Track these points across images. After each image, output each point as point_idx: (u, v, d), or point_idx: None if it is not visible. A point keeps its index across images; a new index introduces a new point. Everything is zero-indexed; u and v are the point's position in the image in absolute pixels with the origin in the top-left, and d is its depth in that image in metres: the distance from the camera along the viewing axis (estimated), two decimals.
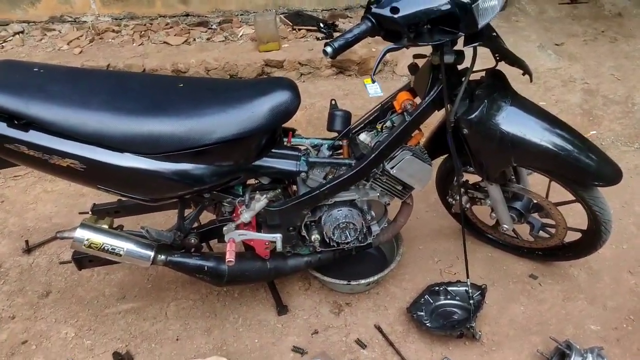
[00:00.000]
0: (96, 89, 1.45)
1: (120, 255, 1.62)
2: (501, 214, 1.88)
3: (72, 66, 1.58)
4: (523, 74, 1.60)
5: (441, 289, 1.95)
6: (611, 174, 1.60)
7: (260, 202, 1.63)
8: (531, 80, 1.60)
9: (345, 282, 1.92)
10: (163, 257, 1.70)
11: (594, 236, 1.82)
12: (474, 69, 1.57)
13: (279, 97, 1.49)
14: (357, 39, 1.34)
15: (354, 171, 1.64)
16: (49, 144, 1.38)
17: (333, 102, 1.75)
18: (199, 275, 1.77)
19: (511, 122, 1.56)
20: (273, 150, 1.61)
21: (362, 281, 1.92)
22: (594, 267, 2.10)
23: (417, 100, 1.66)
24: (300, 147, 1.71)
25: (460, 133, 1.63)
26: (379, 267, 1.99)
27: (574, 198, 1.76)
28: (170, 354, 1.87)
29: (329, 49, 1.31)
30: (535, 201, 1.89)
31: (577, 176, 1.63)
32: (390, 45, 1.37)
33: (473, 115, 1.57)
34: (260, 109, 1.47)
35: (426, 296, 1.95)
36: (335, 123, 1.70)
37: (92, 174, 1.45)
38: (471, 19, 1.35)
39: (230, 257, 1.62)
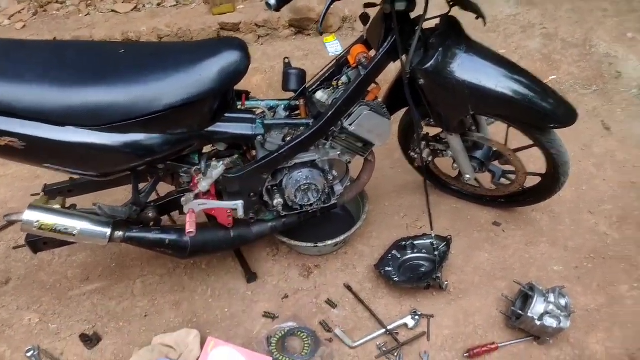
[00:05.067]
0: (30, 60, 1.35)
1: (74, 235, 1.56)
2: (462, 164, 1.88)
3: (3, 37, 1.46)
4: (477, 18, 1.56)
5: (408, 243, 1.97)
6: (566, 115, 1.61)
7: (218, 169, 1.58)
8: (485, 24, 1.57)
9: (312, 245, 1.91)
10: (121, 233, 1.64)
11: (552, 179, 1.84)
12: (427, 17, 1.52)
13: (228, 58, 1.42)
14: None
15: (312, 130, 1.60)
16: None
17: (286, 60, 1.69)
18: (160, 250, 1.72)
19: (466, 69, 1.54)
20: (226, 115, 1.55)
21: (329, 242, 1.91)
22: (555, 210, 2.14)
23: (372, 53, 1.61)
24: (255, 109, 1.66)
25: (417, 84, 1.60)
26: (347, 227, 1.98)
27: (531, 143, 1.76)
28: (139, 331, 1.84)
29: (272, 1, 1.25)
30: (495, 149, 1.89)
31: (533, 120, 1.63)
32: None
33: (428, 65, 1.53)
34: (208, 71, 1.40)
35: (393, 252, 1.96)
36: (290, 82, 1.65)
37: (33, 151, 1.37)
38: None
39: (190, 227, 1.58)
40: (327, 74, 1.73)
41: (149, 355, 1.70)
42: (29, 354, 1.77)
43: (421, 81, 1.58)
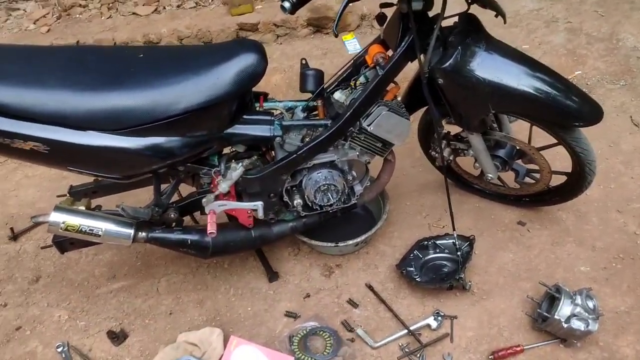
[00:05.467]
0: (52, 66, 1.39)
1: (100, 236, 1.60)
2: (484, 163, 1.85)
3: (25, 44, 1.51)
4: (496, 16, 1.53)
5: (430, 243, 1.95)
6: (591, 113, 1.56)
7: (237, 170, 1.59)
8: (505, 22, 1.54)
9: (333, 244, 1.91)
10: (144, 234, 1.67)
11: (579, 178, 1.79)
12: (446, 15, 1.50)
13: (245, 60, 1.43)
14: None
15: (331, 131, 1.59)
16: (8, 128, 1.33)
17: (304, 61, 1.69)
18: (183, 250, 1.75)
19: (486, 67, 1.51)
20: (245, 117, 1.56)
21: (350, 242, 1.91)
22: (582, 209, 2.09)
23: (390, 52, 1.60)
24: (273, 111, 1.66)
25: (436, 83, 1.58)
26: (368, 226, 1.98)
27: (556, 141, 1.72)
28: (165, 328, 1.87)
29: (286, 4, 1.25)
30: (518, 147, 1.85)
31: (557, 118, 1.59)
32: None
33: (447, 64, 1.51)
34: (225, 74, 1.41)
35: (415, 251, 1.94)
36: (307, 83, 1.65)
37: (57, 155, 1.40)
38: None
39: (211, 228, 1.60)
40: (344, 75, 1.72)
41: (173, 353, 1.73)
42: (59, 350, 1.82)
43: (440, 80, 1.56)
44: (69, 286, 2.05)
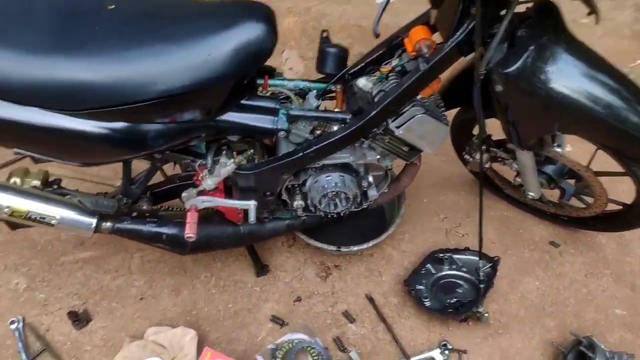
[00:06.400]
0: None
1: (53, 225, 1.31)
2: (529, 181, 1.53)
3: None
4: (589, 14, 1.15)
5: (446, 257, 1.67)
6: None
7: (227, 167, 1.28)
8: (597, 22, 1.16)
9: (335, 248, 1.64)
10: (109, 224, 1.39)
11: (637, 213, 1.48)
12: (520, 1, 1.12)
13: (248, 33, 1.08)
14: None
15: (349, 130, 1.27)
16: None
17: (325, 34, 1.32)
18: (156, 244, 1.48)
19: (563, 78, 1.14)
20: (242, 102, 1.22)
21: (354, 248, 1.64)
22: (625, 236, 1.79)
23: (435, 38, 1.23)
24: (279, 92, 1.32)
25: (491, 88, 1.22)
26: (377, 228, 1.70)
27: (623, 171, 1.39)
28: (133, 316, 1.65)
29: None
30: (572, 167, 1.52)
31: (637, 153, 1.25)
32: None
33: (513, 68, 1.15)
34: (220, 49, 1.07)
35: (427, 265, 1.67)
36: (326, 64, 1.30)
37: None
38: None
39: (190, 230, 1.31)
40: (374, 55, 1.36)
41: (140, 353, 1.51)
42: (12, 327, 1.60)
43: (498, 87, 1.19)
44: (30, 248, 1.81)
